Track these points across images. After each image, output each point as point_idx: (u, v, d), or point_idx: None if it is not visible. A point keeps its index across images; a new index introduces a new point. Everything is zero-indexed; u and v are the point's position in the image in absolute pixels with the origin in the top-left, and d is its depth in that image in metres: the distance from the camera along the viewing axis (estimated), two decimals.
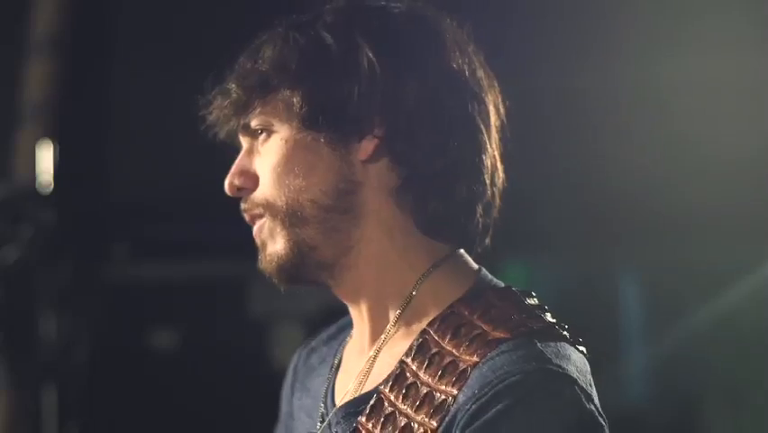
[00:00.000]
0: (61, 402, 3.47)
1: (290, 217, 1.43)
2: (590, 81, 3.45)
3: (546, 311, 1.42)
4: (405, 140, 1.42)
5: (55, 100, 3.75)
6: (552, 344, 1.35)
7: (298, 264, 1.44)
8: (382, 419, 1.38)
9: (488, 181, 1.44)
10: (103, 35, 3.95)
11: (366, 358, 1.46)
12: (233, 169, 1.48)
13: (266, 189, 1.45)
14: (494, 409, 1.29)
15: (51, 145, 3.60)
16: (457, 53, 1.45)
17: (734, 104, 3.34)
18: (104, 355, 3.84)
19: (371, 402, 1.39)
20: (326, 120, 1.42)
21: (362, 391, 1.43)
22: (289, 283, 1.47)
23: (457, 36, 1.47)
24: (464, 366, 1.34)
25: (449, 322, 1.40)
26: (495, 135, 1.47)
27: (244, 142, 1.49)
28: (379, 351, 1.44)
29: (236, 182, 1.47)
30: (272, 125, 1.45)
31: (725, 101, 3.34)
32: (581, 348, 1.39)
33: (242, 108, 1.46)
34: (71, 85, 3.79)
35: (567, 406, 1.31)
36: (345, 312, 1.58)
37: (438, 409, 1.33)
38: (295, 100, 1.43)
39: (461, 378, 1.33)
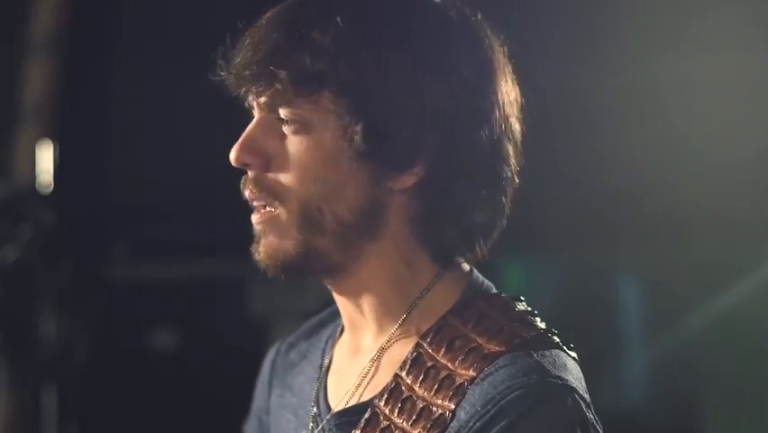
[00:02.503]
0: (61, 402, 3.47)
1: (306, 222, 1.37)
2: (590, 81, 3.45)
3: (536, 316, 1.42)
4: (443, 180, 1.37)
5: (55, 100, 3.75)
6: (547, 353, 1.34)
7: (302, 265, 1.40)
8: None
9: (506, 209, 1.43)
10: (103, 35, 3.95)
11: (363, 360, 1.44)
12: (244, 139, 1.39)
13: (287, 182, 1.37)
14: (498, 426, 1.29)
15: (51, 145, 3.60)
16: (504, 80, 1.41)
17: (734, 104, 3.34)
18: (104, 355, 3.84)
19: (366, 416, 1.38)
20: (378, 151, 1.35)
21: (359, 401, 1.42)
22: (286, 276, 1.43)
23: (502, 55, 1.42)
24: (461, 381, 1.34)
25: (442, 334, 1.38)
26: (517, 160, 1.43)
27: (258, 111, 1.40)
28: (379, 357, 1.42)
29: (247, 158, 1.38)
30: (310, 123, 1.36)
31: (725, 101, 3.34)
32: (573, 353, 1.38)
33: (281, 98, 1.36)
34: (71, 85, 3.79)
35: (568, 417, 1.31)
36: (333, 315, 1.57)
37: (436, 424, 1.33)
38: (348, 116, 1.35)
39: (458, 393, 1.33)
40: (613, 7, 3.39)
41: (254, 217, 1.41)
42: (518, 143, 1.42)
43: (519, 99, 1.43)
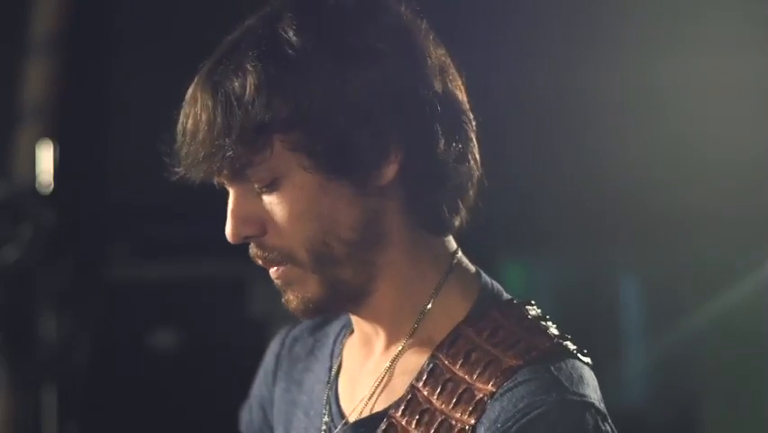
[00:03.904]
0: (61, 402, 3.47)
1: (319, 261, 1.37)
2: (590, 81, 3.45)
3: (548, 321, 1.42)
4: (423, 156, 1.37)
5: (55, 100, 3.75)
6: (563, 365, 1.35)
7: (331, 301, 1.39)
8: None
9: (475, 171, 1.42)
10: (103, 35, 3.95)
11: (376, 367, 1.44)
12: (234, 217, 1.38)
13: (286, 238, 1.37)
14: None
15: (51, 145, 3.60)
16: (431, 44, 1.40)
17: (734, 104, 3.34)
18: (104, 355, 3.84)
19: (383, 427, 1.38)
20: (347, 163, 1.34)
21: (373, 411, 1.41)
22: (317, 316, 1.45)
23: (435, 41, 1.41)
24: (480, 395, 1.34)
25: (458, 346, 1.38)
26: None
27: (232, 186, 1.39)
28: (393, 365, 1.42)
29: (245, 232, 1.38)
30: (277, 171, 1.35)
31: (725, 101, 3.34)
32: (586, 359, 1.39)
33: (240, 168, 1.35)
34: (71, 85, 3.79)
35: None
36: None
37: None
38: (303, 145, 1.34)
39: (477, 408, 1.33)
40: (613, 7, 3.39)
41: (271, 273, 1.41)
42: (467, 111, 1.42)
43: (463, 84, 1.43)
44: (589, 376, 1.37)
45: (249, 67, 1.34)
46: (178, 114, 1.39)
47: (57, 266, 3.47)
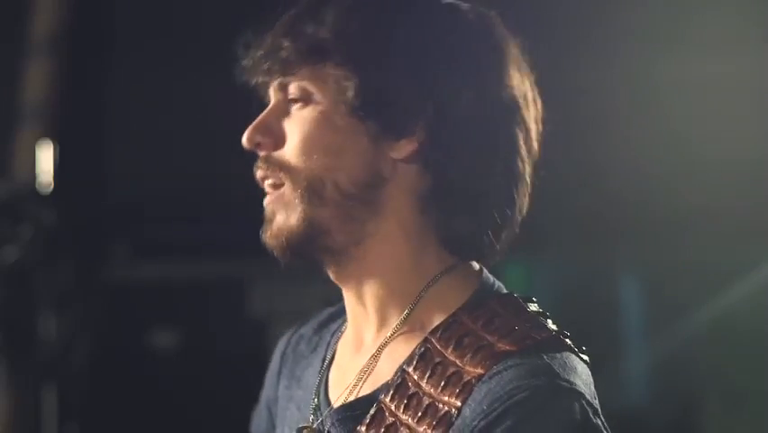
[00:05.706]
0: (61, 402, 3.47)
1: (310, 193, 1.39)
2: (591, 80, 3.45)
3: (548, 318, 1.40)
4: (444, 151, 1.38)
5: (55, 100, 3.75)
6: (558, 355, 1.33)
7: (306, 243, 1.40)
8: (383, 430, 1.35)
9: (517, 210, 1.42)
10: (102, 35, 3.95)
11: (364, 356, 1.43)
12: (257, 122, 1.43)
13: (291, 156, 1.40)
14: (503, 426, 1.28)
15: (51, 145, 3.60)
16: (516, 72, 1.43)
17: (734, 104, 3.34)
18: (104, 355, 3.84)
19: (372, 412, 1.37)
20: (374, 111, 1.38)
21: (360, 395, 1.41)
22: (291, 259, 1.43)
23: (515, 50, 1.44)
24: (468, 378, 1.32)
25: (451, 331, 1.37)
26: (532, 161, 1.45)
27: (274, 97, 1.44)
28: (380, 352, 1.41)
29: (258, 138, 1.42)
30: (313, 95, 1.40)
31: (725, 101, 3.34)
32: (584, 357, 1.37)
33: (287, 69, 1.41)
34: (71, 85, 3.79)
35: (574, 422, 1.29)
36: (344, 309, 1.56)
37: (441, 422, 1.31)
38: (347, 79, 1.38)
39: (465, 390, 1.31)
40: (614, 7, 3.39)
41: (265, 201, 1.43)
42: (531, 137, 1.44)
43: (535, 98, 1.46)
44: (583, 371, 1.35)
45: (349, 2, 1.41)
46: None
47: (57, 266, 3.47)
